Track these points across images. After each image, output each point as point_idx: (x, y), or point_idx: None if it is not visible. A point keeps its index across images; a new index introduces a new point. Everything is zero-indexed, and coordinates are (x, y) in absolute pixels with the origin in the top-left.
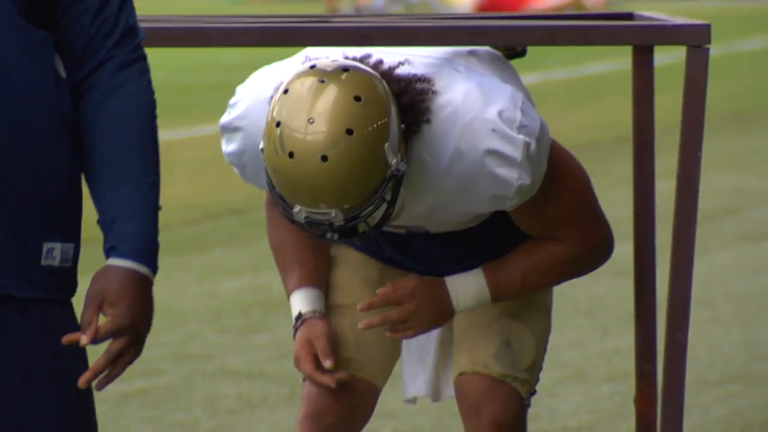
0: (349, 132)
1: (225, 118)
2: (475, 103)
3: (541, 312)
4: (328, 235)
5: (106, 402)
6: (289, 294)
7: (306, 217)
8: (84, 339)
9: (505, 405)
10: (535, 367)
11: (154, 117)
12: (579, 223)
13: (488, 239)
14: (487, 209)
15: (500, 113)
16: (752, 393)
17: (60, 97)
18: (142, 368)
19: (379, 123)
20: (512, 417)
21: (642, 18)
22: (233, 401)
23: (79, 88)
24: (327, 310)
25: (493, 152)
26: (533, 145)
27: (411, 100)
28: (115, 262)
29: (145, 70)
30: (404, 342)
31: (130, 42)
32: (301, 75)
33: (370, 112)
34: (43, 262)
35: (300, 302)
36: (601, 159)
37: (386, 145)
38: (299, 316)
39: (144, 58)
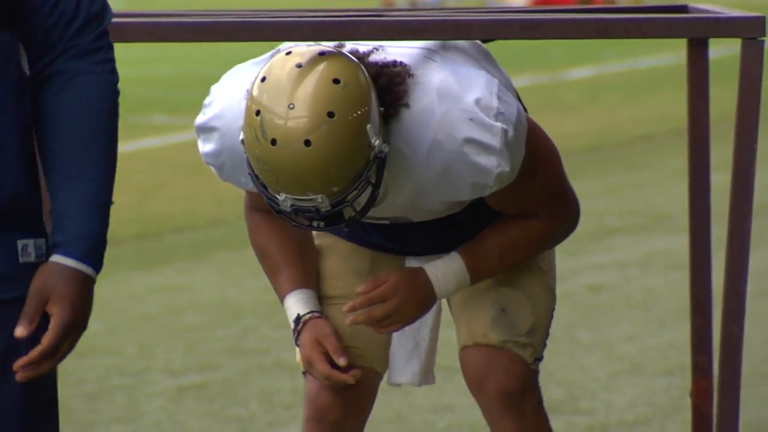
0: (331, 115)
1: (200, 119)
2: (451, 92)
3: (534, 274)
4: (315, 223)
5: (161, 396)
6: (282, 298)
7: (292, 205)
8: (20, 330)
9: (508, 372)
10: (536, 331)
11: (113, 107)
12: (553, 199)
13: (474, 218)
14: (468, 197)
15: (477, 101)
16: None
17: (22, 96)
18: (198, 363)
19: (360, 104)
20: (518, 383)
21: (696, 10)
22: (289, 396)
23: (38, 76)
24: (319, 302)
25: (471, 141)
26: (511, 132)
27: (387, 81)
28: (61, 260)
29: (108, 60)
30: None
31: (92, 29)
32: (277, 62)
33: (349, 94)
34: (21, 259)
35: (296, 305)
36: (656, 152)
37: (368, 126)
38: (298, 318)
39: (108, 46)
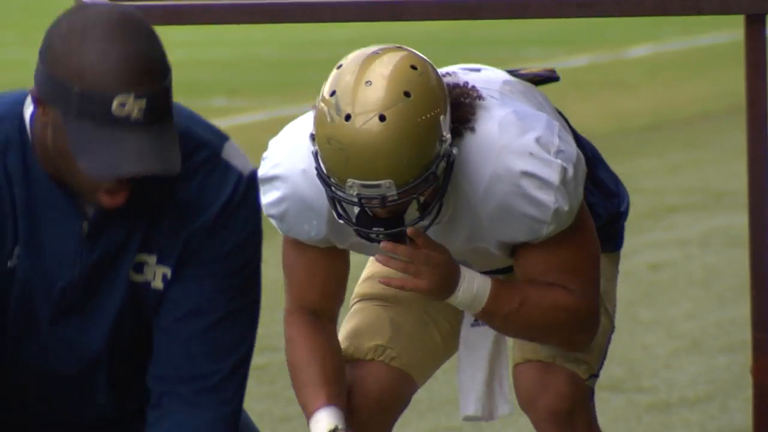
0: (407, 95)
1: (260, 171)
2: (511, 129)
3: None
4: (375, 230)
5: None
6: (314, 410)
7: (359, 194)
8: None
9: (558, 390)
10: (591, 349)
11: None
12: (584, 278)
13: None
14: (524, 237)
15: (537, 139)
16: None
17: None
18: (259, 345)
19: (435, 92)
20: (568, 402)
21: None
22: None
23: (154, 392)
24: (364, 298)
25: (530, 174)
26: (570, 171)
27: (457, 97)
28: None
29: (228, 399)
30: (459, 358)
31: (223, 364)
32: (354, 53)
33: (426, 81)
34: None
35: (330, 417)
36: (715, 130)
37: (442, 117)
38: (335, 430)
39: (239, 379)
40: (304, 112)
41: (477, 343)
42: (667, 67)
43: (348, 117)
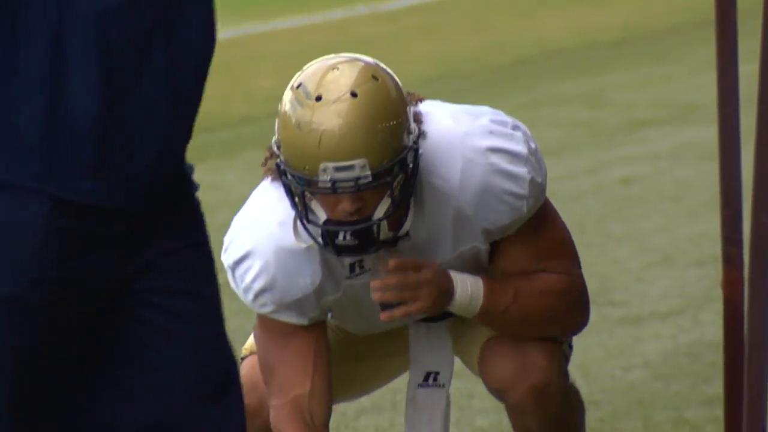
0: (375, 78)
1: (232, 255)
2: (464, 117)
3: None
4: (347, 236)
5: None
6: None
7: (332, 179)
8: None
9: (539, 364)
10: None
11: None
12: (565, 257)
13: None
14: (508, 218)
15: (491, 120)
16: None
17: None
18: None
19: (399, 86)
20: (549, 374)
21: None
22: None
23: None
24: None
25: (499, 150)
26: (531, 143)
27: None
28: None
29: None
30: (406, 421)
31: None
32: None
33: (389, 74)
34: None
35: None
36: (684, 44)
37: (408, 107)
38: None
39: None
40: (279, 29)
41: (428, 403)
42: None
43: (319, 98)
